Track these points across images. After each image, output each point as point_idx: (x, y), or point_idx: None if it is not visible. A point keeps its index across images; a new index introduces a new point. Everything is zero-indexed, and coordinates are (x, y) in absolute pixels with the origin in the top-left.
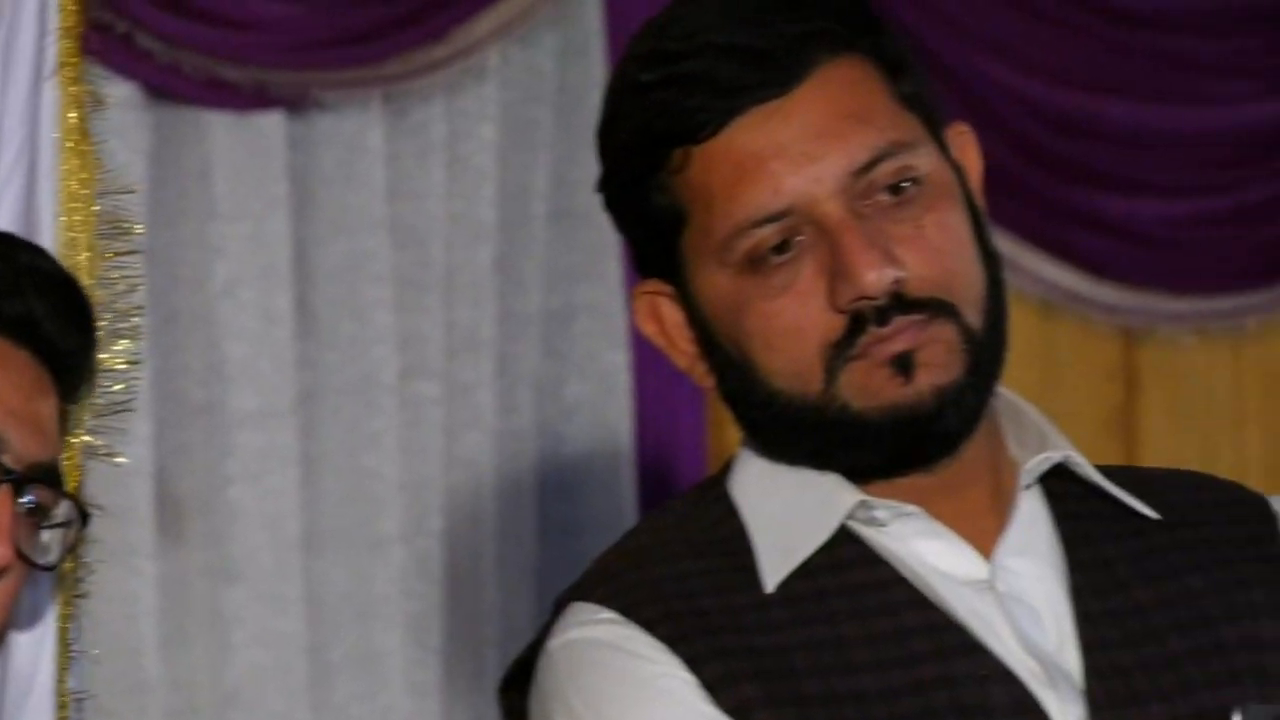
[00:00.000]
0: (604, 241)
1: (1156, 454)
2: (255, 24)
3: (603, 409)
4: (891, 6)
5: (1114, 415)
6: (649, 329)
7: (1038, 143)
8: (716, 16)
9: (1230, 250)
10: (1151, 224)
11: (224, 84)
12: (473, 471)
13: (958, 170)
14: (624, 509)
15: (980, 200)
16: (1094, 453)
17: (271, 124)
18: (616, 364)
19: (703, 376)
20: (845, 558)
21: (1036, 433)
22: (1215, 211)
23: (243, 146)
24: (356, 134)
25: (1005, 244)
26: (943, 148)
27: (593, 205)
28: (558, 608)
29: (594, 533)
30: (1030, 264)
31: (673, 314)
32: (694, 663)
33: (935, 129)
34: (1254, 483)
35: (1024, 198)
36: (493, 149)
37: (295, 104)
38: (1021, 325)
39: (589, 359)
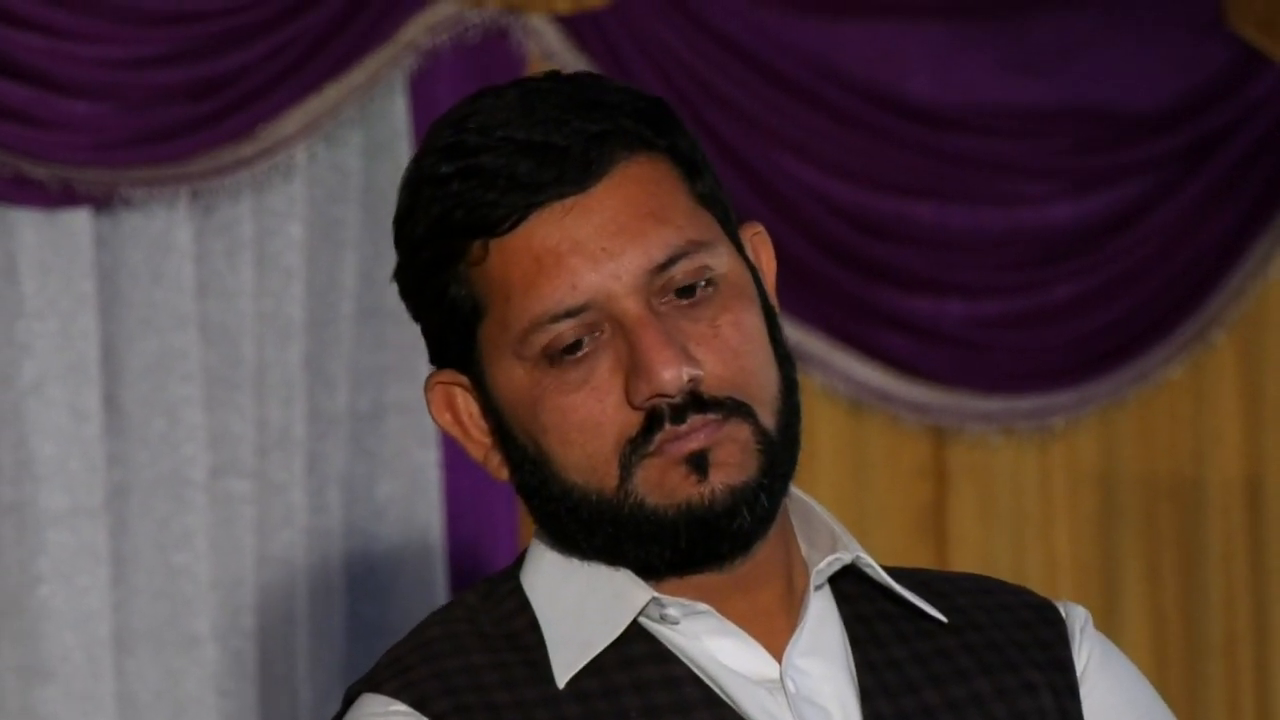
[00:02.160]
0: (413, 340)
1: (966, 552)
2: (61, 122)
3: (413, 507)
4: (696, 106)
5: (924, 514)
6: (443, 419)
7: (847, 243)
8: (516, 112)
9: (1037, 350)
10: (959, 324)
11: (30, 181)
12: (285, 570)
13: (753, 270)
14: (436, 606)
15: (775, 300)
16: (905, 551)
17: (78, 221)
18: (427, 462)
19: (498, 468)
20: (637, 654)
21: (827, 533)
22: (1022, 311)
23: (49, 244)
24: (164, 231)
25: (815, 343)
26: (738, 247)
27: (401, 304)
28: (348, 700)
29: (404, 631)
30: (840, 363)
31: (468, 405)
32: None
33: (731, 228)
34: (1063, 580)
35: (834, 297)
36: (301, 247)
37: (102, 201)
38: (831, 424)
39: (399, 457)
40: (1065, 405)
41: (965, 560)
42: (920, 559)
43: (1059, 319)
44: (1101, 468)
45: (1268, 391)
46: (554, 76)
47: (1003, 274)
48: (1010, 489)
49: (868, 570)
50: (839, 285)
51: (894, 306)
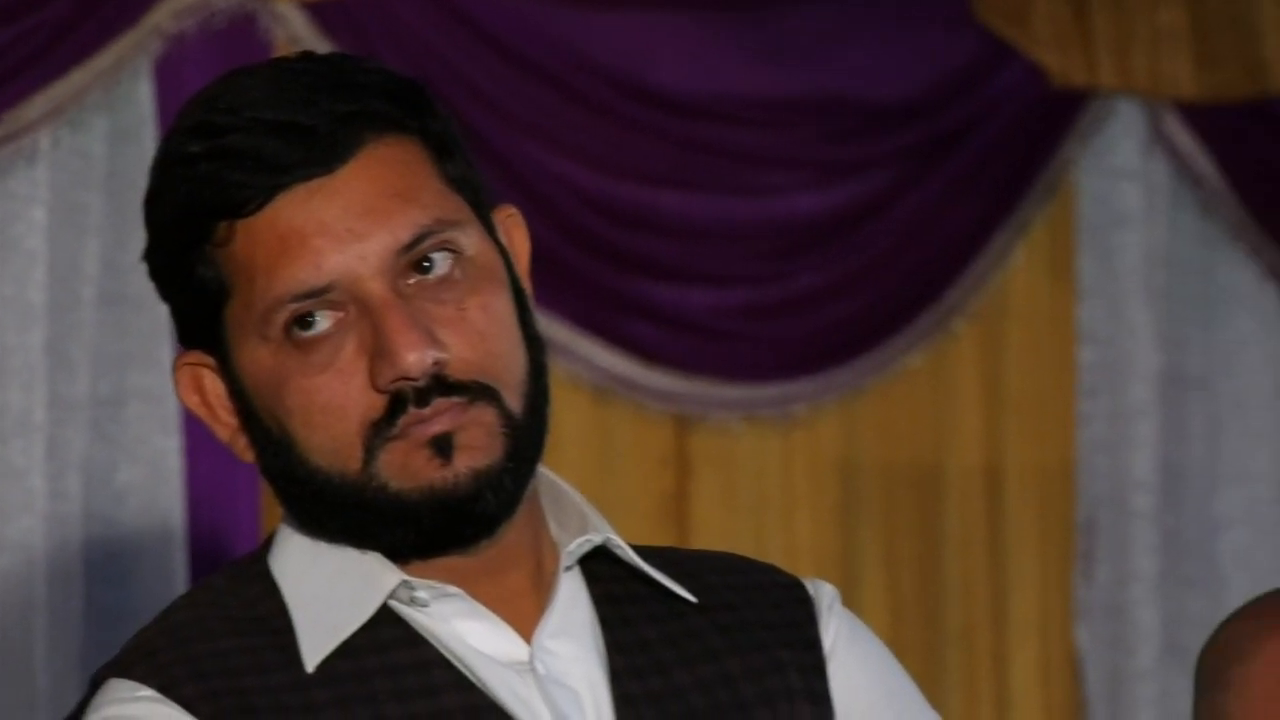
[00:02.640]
0: (155, 327)
1: (708, 539)
2: None
3: (154, 493)
4: (442, 90)
5: (667, 501)
6: (190, 400)
7: (591, 231)
8: (264, 93)
9: (779, 339)
10: (703, 312)
11: None
12: (24, 556)
13: (504, 253)
14: (176, 593)
15: (527, 284)
16: (647, 538)
17: None
18: (168, 448)
19: (244, 450)
20: (387, 638)
21: (577, 515)
22: (765, 300)
23: None
24: None
25: (559, 330)
26: (490, 230)
27: (144, 290)
28: (94, 684)
29: (145, 617)
30: (584, 350)
31: (215, 386)
32: None
33: (483, 211)
34: (803, 566)
35: (578, 285)
36: (43, 232)
37: None
38: (576, 412)
39: (140, 444)
40: (807, 393)
41: (707, 547)
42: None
43: (802, 308)
44: (842, 456)
45: (1007, 381)
46: (308, 57)
47: (747, 263)
48: (752, 476)
49: (618, 551)
50: (585, 273)
51: (639, 295)
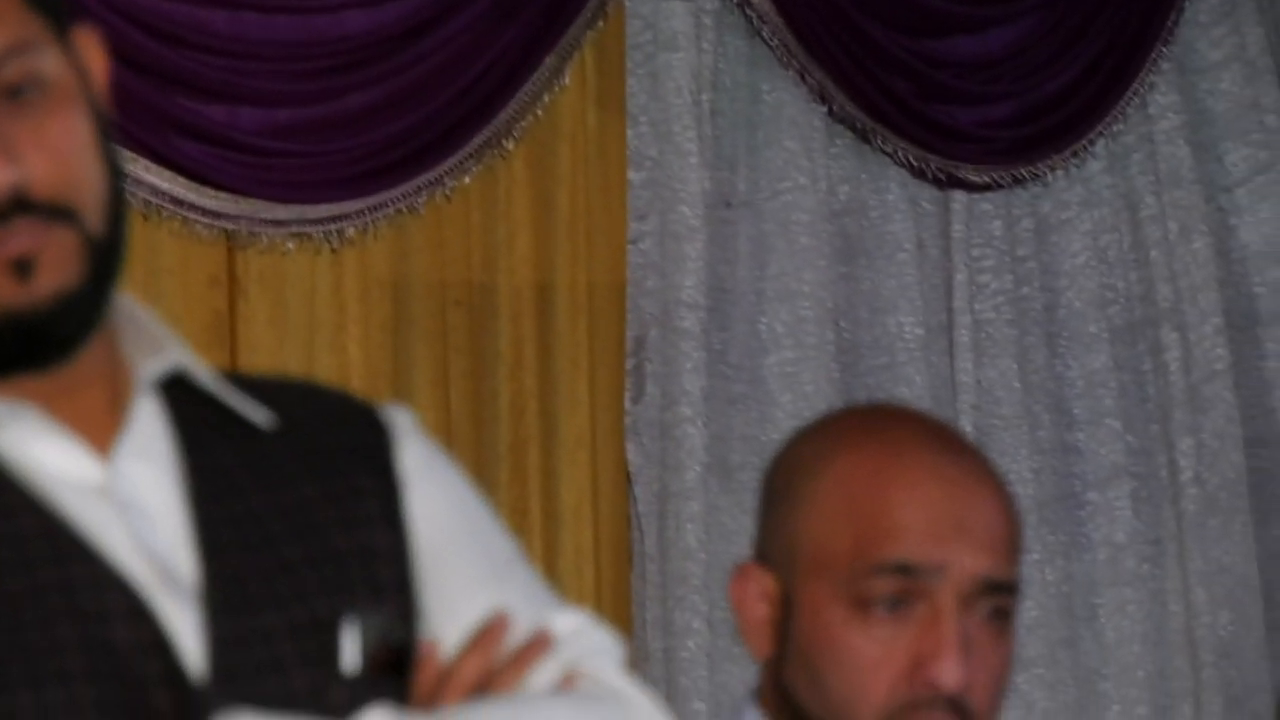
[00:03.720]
0: None
1: (259, 360)
2: None
3: None
4: None
5: (216, 322)
6: None
7: (138, 48)
8: None
9: (329, 158)
10: (252, 132)
11: None
12: None
13: (83, 74)
14: None
15: (107, 106)
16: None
17: None
18: None
19: None
20: None
21: (153, 339)
22: (314, 120)
23: None
24: None
25: None
26: (69, 49)
27: None
28: None
29: None
30: (132, 169)
31: None
32: None
33: (63, 32)
34: (355, 386)
35: (125, 103)
36: None
37: None
38: None
39: None
40: (357, 213)
41: (258, 368)
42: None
43: (351, 128)
44: (393, 275)
45: (558, 202)
46: None
47: (296, 82)
48: (302, 297)
49: (195, 376)
50: (132, 92)
51: (188, 114)
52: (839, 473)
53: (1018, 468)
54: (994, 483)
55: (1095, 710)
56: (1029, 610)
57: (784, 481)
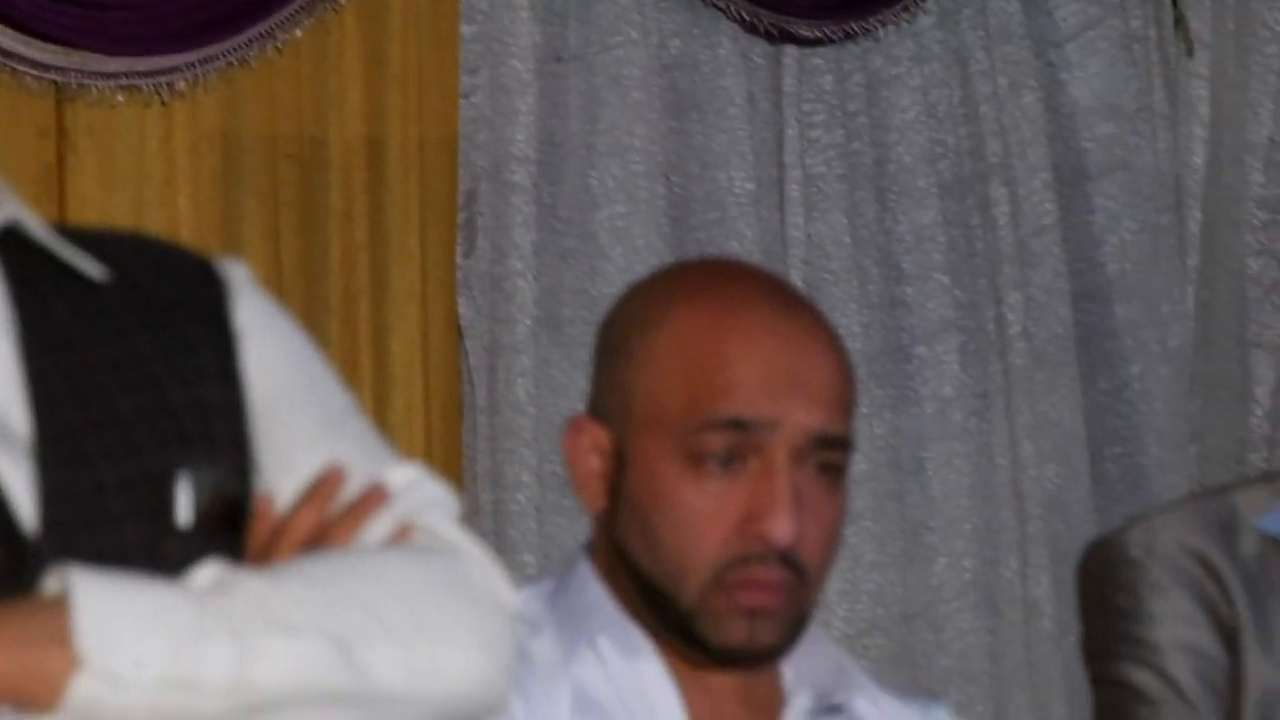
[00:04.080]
0: None
1: (88, 214)
2: None
3: None
4: None
5: (45, 174)
6: None
7: None
8: None
9: (159, 10)
10: None
11: None
12: None
13: None
14: None
15: None
16: None
17: None
18: None
19: None
20: None
21: None
22: None
23: None
24: None
25: None
26: None
27: None
28: None
29: None
30: None
31: None
32: None
33: None
34: (185, 239)
35: None
36: None
37: None
38: None
39: None
40: (187, 65)
41: (87, 221)
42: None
43: None
44: (224, 129)
45: (391, 55)
46: None
47: None
48: (132, 150)
49: (27, 229)
50: None
51: None
52: (674, 328)
53: (847, 322)
54: (828, 338)
55: (922, 563)
56: (857, 464)
57: (619, 336)
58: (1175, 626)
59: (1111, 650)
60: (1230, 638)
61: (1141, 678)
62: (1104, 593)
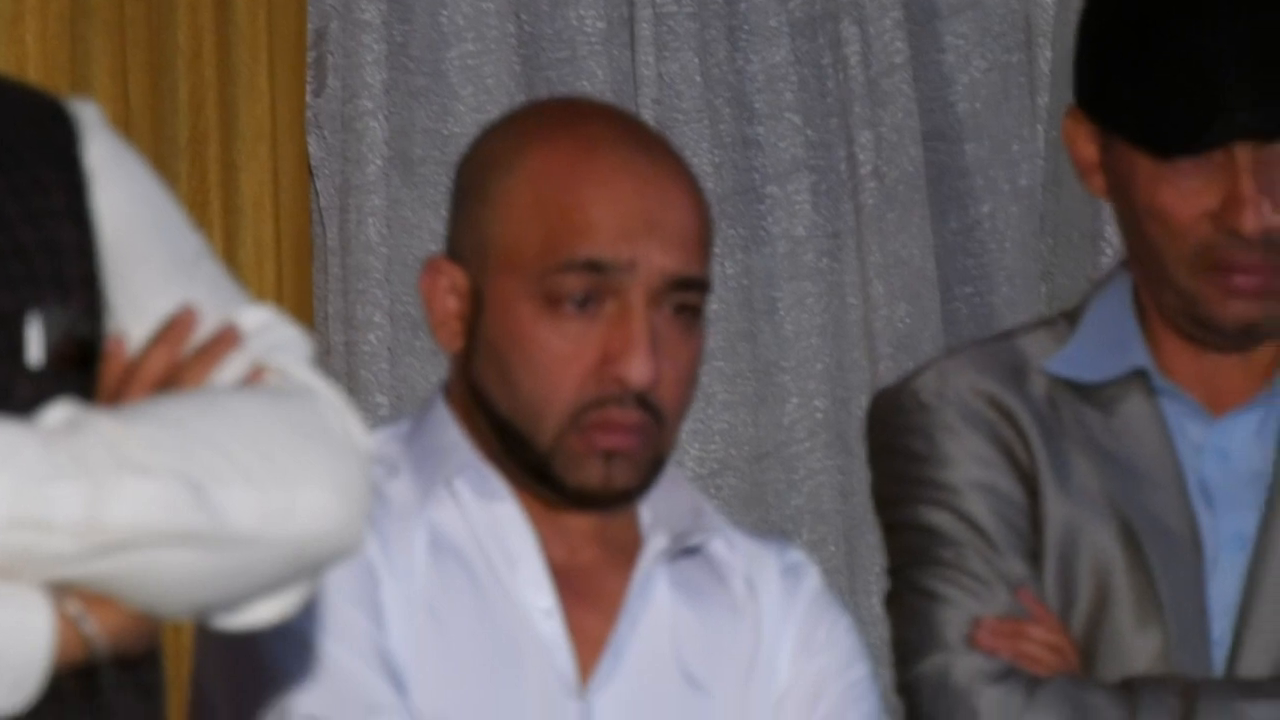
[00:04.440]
0: None
1: None
2: None
3: None
4: None
5: None
6: None
7: None
8: None
9: None
10: None
11: None
12: None
13: None
14: None
15: None
16: None
17: None
18: None
19: None
20: None
21: None
22: None
23: None
24: None
25: None
26: None
27: None
28: None
29: None
30: None
31: None
32: None
33: None
34: (32, 77)
35: None
36: None
37: None
38: None
39: None
40: None
41: None
42: None
43: None
44: None
45: None
46: None
47: None
48: None
49: None
50: None
51: None
52: (530, 170)
53: (698, 162)
54: (685, 180)
55: (774, 402)
56: (709, 304)
57: (475, 178)
58: (972, 467)
59: (908, 495)
60: (1027, 477)
61: (941, 519)
62: (897, 439)
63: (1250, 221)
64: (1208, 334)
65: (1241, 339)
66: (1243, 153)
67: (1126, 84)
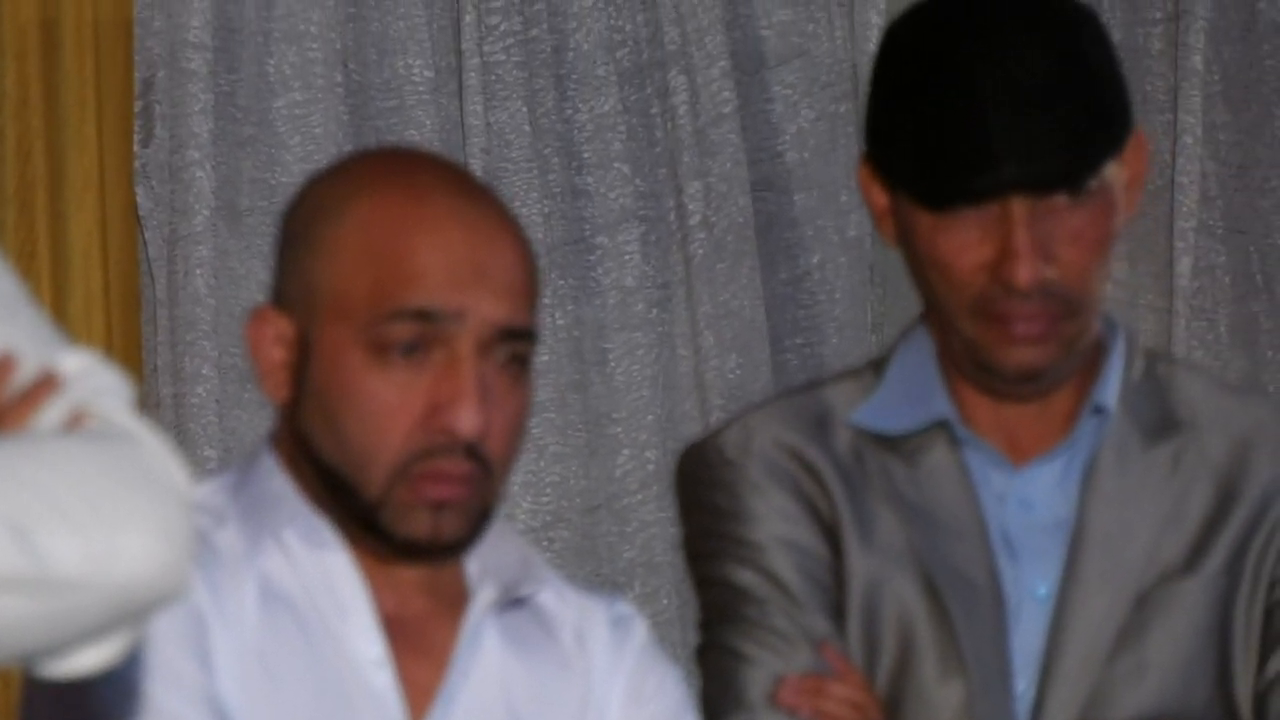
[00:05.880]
0: None
1: None
2: None
3: None
4: None
5: None
6: None
7: None
8: None
9: None
10: None
11: None
12: None
13: None
14: None
15: None
16: None
17: None
18: None
19: None
20: None
21: None
22: None
23: None
24: None
25: None
26: None
27: None
28: None
29: None
30: None
31: None
32: None
33: None
34: None
35: None
36: None
37: None
38: None
39: None
40: None
41: None
42: None
43: None
44: None
45: None
46: None
47: None
48: None
49: None
50: None
51: None
52: (359, 217)
53: (528, 212)
54: (512, 229)
55: (606, 454)
56: (539, 355)
57: (301, 225)
58: (775, 524)
59: (715, 551)
60: (830, 531)
61: (745, 577)
62: (704, 494)
63: (1024, 275)
64: (994, 381)
65: (1026, 386)
66: (1018, 205)
67: (901, 135)
